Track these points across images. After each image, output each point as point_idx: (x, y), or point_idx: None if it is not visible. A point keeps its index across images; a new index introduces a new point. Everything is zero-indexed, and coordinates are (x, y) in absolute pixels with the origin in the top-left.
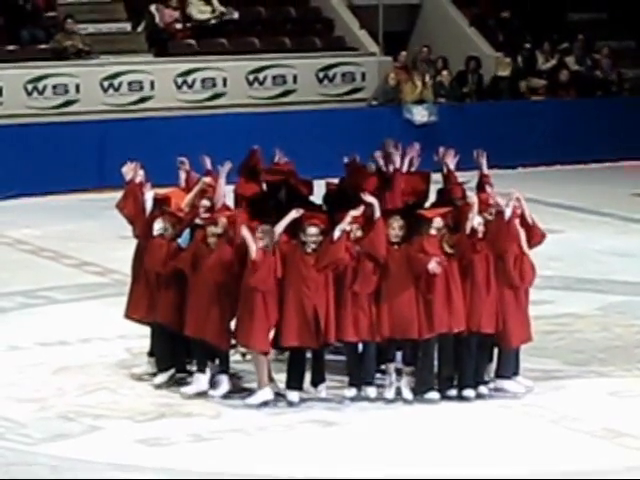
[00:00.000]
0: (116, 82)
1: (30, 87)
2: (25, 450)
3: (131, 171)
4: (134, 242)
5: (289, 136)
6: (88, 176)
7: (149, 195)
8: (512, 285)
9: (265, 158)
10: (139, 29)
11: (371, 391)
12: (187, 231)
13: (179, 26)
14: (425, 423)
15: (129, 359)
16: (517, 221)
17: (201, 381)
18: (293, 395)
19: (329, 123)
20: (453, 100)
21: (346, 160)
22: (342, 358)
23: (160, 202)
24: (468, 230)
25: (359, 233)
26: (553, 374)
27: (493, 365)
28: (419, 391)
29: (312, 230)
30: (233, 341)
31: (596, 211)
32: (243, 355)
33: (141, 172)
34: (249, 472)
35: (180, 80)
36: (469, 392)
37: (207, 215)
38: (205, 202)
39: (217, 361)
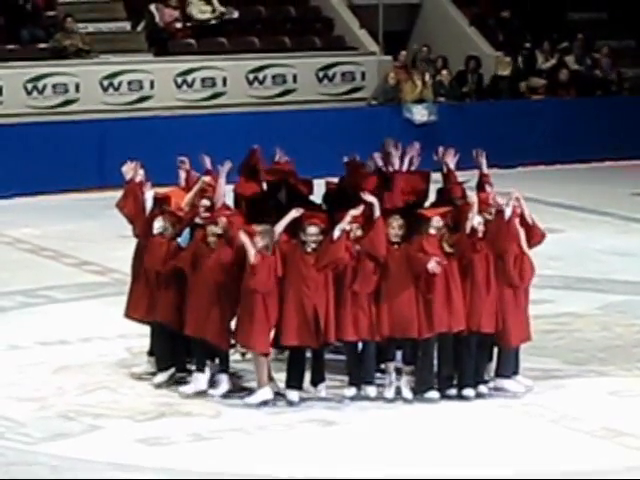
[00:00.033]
0: (116, 81)
1: (30, 86)
2: (25, 450)
3: (131, 170)
4: (134, 241)
5: (289, 135)
6: (88, 175)
7: (149, 194)
8: (512, 285)
9: (265, 157)
10: (139, 28)
11: (371, 390)
12: (187, 230)
13: (179, 25)
14: (425, 423)
15: (129, 358)
16: (517, 221)
17: (200, 380)
18: (293, 394)
19: (329, 123)
20: (453, 100)
21: (346, 159)
22: (342, 357)
23: (160, 201)
24: (468, 230)
25: (359, 232)
26: (553, 373)
27: (493, 364)
28: (419, 390)
29: (312, 229)
30: (233, 340)
31: (596, 210)
32: (243, 354)
33: (141, 171)
34: (249, 472)
35: (180, 79)
36: (469, 391)
37: (207, 214)
38: (205, 201)
39: (217, 360)
